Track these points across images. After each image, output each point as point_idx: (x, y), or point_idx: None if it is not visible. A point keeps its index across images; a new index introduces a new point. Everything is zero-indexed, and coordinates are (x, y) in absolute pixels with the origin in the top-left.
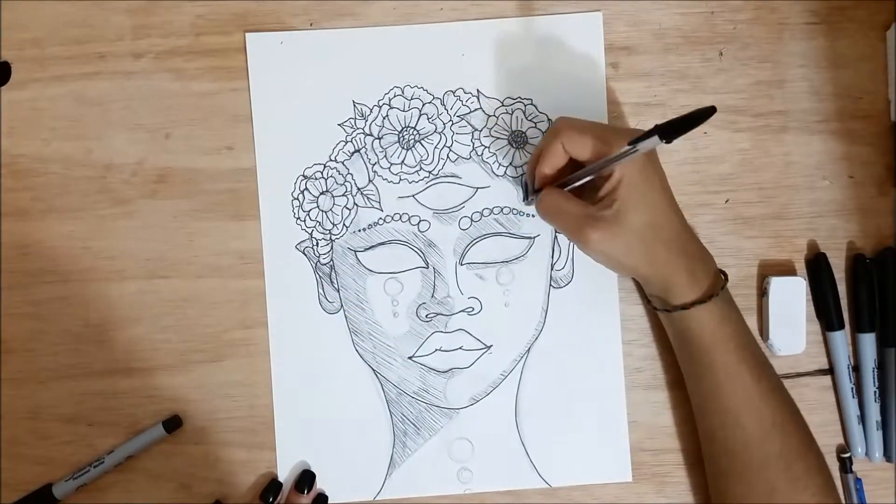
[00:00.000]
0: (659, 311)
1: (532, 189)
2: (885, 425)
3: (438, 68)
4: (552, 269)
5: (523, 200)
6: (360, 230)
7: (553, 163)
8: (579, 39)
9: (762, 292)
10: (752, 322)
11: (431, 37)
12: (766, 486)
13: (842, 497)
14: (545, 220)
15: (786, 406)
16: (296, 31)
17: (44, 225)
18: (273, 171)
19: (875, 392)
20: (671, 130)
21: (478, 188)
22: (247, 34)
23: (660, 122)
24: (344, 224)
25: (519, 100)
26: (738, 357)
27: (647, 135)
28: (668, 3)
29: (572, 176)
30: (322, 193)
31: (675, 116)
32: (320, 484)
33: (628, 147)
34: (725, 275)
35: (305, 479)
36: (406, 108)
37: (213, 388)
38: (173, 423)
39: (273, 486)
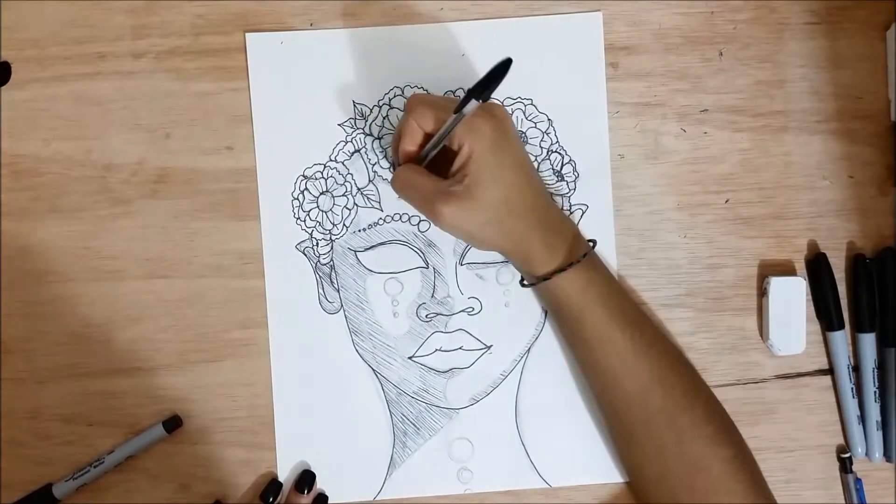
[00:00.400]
0: (528, 285)
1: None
2: (885, 425)
3: (438, 68)
4: None
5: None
6: (360, 230)
7: (411, 139)
8: (579, 39)
9: (762, 292)
10: (752, 322)
11: (431, 37)
12: (654, 444)
13: (842, 497)
14: (400, 196)
15: (664, 360)
16: (296, 31)
17: (44, 225)
18: (273, 171)
19: (875, 392)
20: (481, 89)
21: None
22: (247, 34)
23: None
24: (344, 224)
25: (519, 100)
26: (607, 319)
27: (465, 100)
28: (668, 3)
29: (423, 151)
30: (322, 193)
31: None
32: (320, 484)
33: (455, 115)
34: (593, 241)
35: (305, 479)
36: None
37: (213, 388)
38: (173, 423)
39: (273, 486)
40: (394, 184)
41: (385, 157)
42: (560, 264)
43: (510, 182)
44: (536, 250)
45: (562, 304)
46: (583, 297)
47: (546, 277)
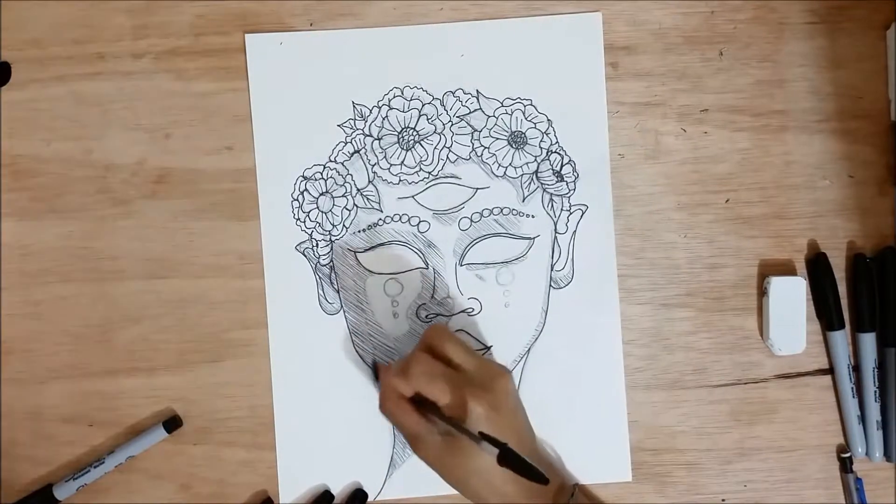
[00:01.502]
0: None
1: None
2: (885, 425)
3: (438, 69)
4: (552, 270)
5: (373, 381)
6: (359, 231)
7: (406, 386)
8: (579, 39)
9: (762, 292)
10: (752, 322)
11: (431, 37)
12: None
13: (842, 497)
14: (384, 415)
15: None
16: (295, 32)
17: (44, 225)
18: (273, 171)
19: (875, 392)
20: (508, 461)
21: (477, 189)
22: (246, 35)
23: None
24: (344, 225)
25: (518, 100)
26: None
27: (495, 444)
28: (668, 3)
29: (428, 409)
30: (322, 194)
31: (523, 458)
32: (320, 482)
33: (476, 436)
34: (575, 485)
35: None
36: (406, 109)
37: (213, 388)
38: (173, 423)
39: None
40: (381, 408)
41: (384, 157)
42: None
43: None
44: None
45: None
46: None
47: None
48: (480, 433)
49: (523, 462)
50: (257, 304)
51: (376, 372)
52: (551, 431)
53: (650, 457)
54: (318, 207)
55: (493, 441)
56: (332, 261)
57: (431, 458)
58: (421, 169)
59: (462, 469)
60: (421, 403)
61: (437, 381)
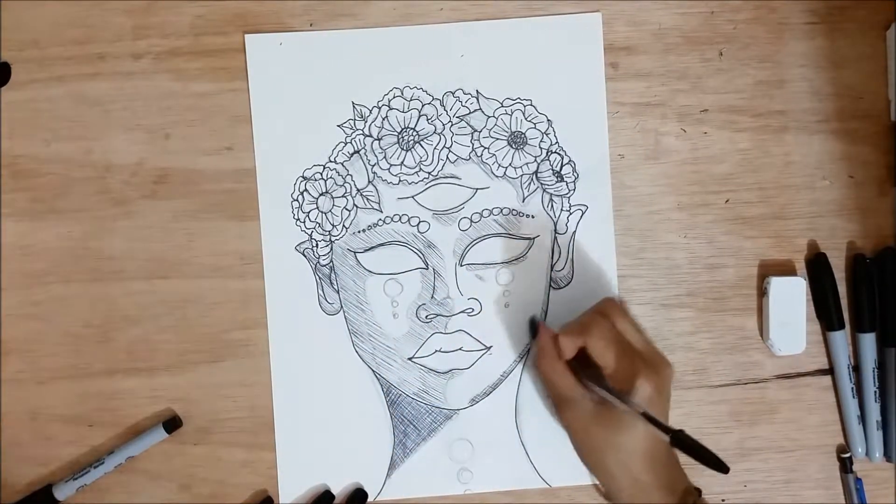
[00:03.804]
0: None
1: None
2: (885, 425)
3: (438, 69)
4: (552, 270)
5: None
6: (359, 231)
7: (571, 346)
8: (579, 39)
9: (762, 292)
10: (752, 322)
11: (431, 37)
12: None
13: (842, 497)
14: (536, 372)
15: None
16: (295, 32)
17: (44, 225)
18: (272, 171)
19: (875, 392)
20: (682, 445)
21: (477, 189)
22: (246, 35)
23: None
24: (343, 225)
25: (518, 100)
26: None
27: (664, 429)
28: (668, 3)
29: (586, 374)
30: (322, 194)
31: (698, 442)
32: (320, 482)
33: (640, 414)
34: (699, 490)
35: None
36: (405, 110)
37: (213, 389)
38: (173, 424)
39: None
40: (535, 364)
41: (384, 157)
42: None
43: (647, 438)
44: (653, 498)
45: None
46: None
47: None
48: (644, 413)
49: (700, 447)
50: (257, 304)
51: (535, 329)
52: (552, 431)
53: None
54: (317, 208)
55: (661, 425)
56: (331, 261)
57: (577, 425)
58: (421, 169)
59: (605, 442)
60: (577, 370)
61: (613, 347)
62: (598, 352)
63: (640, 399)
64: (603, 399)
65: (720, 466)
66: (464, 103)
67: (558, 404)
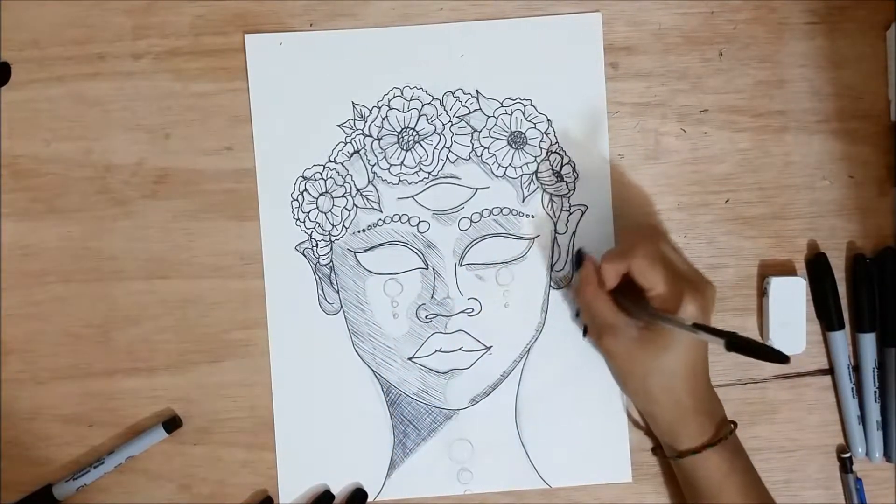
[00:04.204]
0: (663, 457)
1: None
2: (885, 425)
3: (438, 69)
4: (552, 270)
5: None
6: (359, 231)
7: (615, 274)
8: (579, 39)
9: (762, 292)
10: (752, 322)
11: (431, 37)
12: None
13: (842, 497)
14: (576, 301)
15: None
16: (295, 32)
17: (44, 225)
18: (272, 171)
19: (875, 392)
20: (738, 347)
21: (477, 189)
22: (246, 35)
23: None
24: (343, 225)
25: (518, 100)
26: None
27: (718, 334)
28: (668, 3)
29: (629, 302)
30: (321, 194)
31: (753, 340)
32: (321, 481)
33: (691, 327)
34: (735, 423)
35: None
36: (405, 109)
37: (213, 389)
38: (173, 424)
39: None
40: (578, 294)
41: (384, 157)
42: (706, 441)
43: (689, 360)
44: (687, 428)
45: (700, 482)
46: (725, 480)
47: (691, 452)
48: (696, 324)
49: (757, 344)
50: (257, 304)
51: (580, 260)
52: (552, 431)
53: (650, 457)
54: (317, 208)
55: (716, 331)
56: (331, 261)
57: (620, 350)
58: (421, 169)
59: (649, 366)
60: (619, 299)
61: (658, 268)
62: (643, 273)
63: (688, 317)
64: (645, 325)
65: (780, 358)
66: (464, 103)
67: (601, 332)
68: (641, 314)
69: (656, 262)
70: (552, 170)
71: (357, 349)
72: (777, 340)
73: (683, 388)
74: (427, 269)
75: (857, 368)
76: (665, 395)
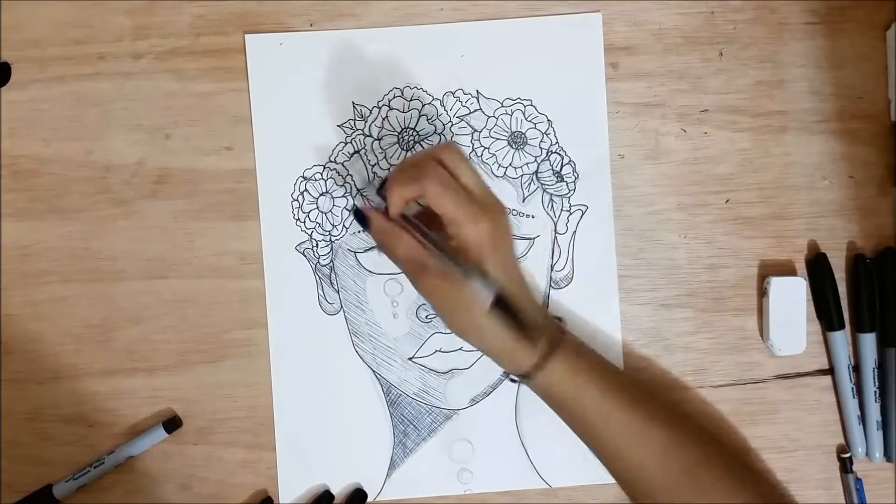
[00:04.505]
0: (516, 381)
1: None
2: (885, 425)
3: (438, 69)
4: (552, 270)
5: (377, 192)
6: (359, 231)
7: (401, 200)
8: (579, 39)
9: (762, 292)
10: (752, 322)
11: (431, 37)
12: None
13: (842, 497)
14: (378, 244)
15: (676, 426)
16: (295, 32)
17: (44, 225)
18: (273, 171)
19: (875, 392)
20: (500, 307)
21: None
22: (246, 35)
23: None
24: (343, 225)
25: (518, 101)
26: (606, 399)
27: (488, 286)
28: (668, 3)
29: (419, 230)
30: (322, 195)
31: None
32: (320, 481)
33: (472, 269)
34: (560, 318)
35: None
36: (406, 110)
37: (213, 389)
38: (173, 424)
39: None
40: (380, 243)
41: (385, 157)
42: (542, 354)
43: (502, 281)
44: (517, 351)
45: (556, 395)
46: (576, 383)
47: (534, 370)
48: (469, 268)
49: (515, 308)
50: (257, 305)
51: (360, 217)
52: (552, 431)
53: None
54: (318, 208)
55: (488, 282)
56: (332, 261)
57: (435, 290)
58: None
59: (463, 299)
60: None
61: (450, 193)
62: (434, 198)
63: (473, 244)
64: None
65: (529, 330)
66: (464, 103)
67: (413, 275)
68: (432, 249)
69: (448, 188)
70: (552, 170)
71: (357, 349)
72: (777, 340)
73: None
74: None
75: (857, 368)
76: (488, 322)
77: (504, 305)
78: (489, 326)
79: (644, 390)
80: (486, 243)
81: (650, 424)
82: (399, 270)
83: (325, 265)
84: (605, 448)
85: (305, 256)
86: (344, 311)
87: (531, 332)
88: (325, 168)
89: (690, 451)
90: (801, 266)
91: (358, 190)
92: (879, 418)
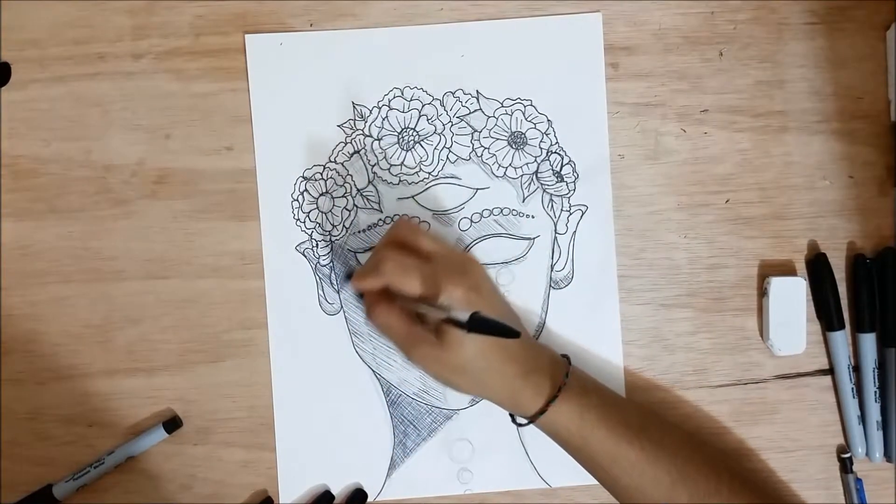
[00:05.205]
0: (522, 425)
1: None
2: (885, 425)
3: (438, 69)
4: (552, 271)
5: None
6: (359, 231)
7: (375, 282)
8: (579, 39)
9: (762, 292)
10: (752, 322)
11: (431, 38)
12: None
13: (842, 497)
14: (372, 323)
15: (679, 455)
16: (295, 32)
17: (44, 225)
18: (273, 172)
19: (875, 392)
20: (478, 328)
21: (477, 189)
22: (246, 35)
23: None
24: (344, 225)
25: (518, 101)
26: (613, 437)
27: (460, 325)
28: (668, 3)
29: (402, 298)
30: (322, 195)
31: (493, 321)
32: (320, 481)
33: (443, 316)
34: (566, 357)
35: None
36: (406, 110)
37: (213, 389)
38: (173, 424)
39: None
40: (369, 320)
41: (384, 157)
42: (547, 397)
43: (486, 339)
44: (525, 393)
45: (563, 435)
46: (582, 423)
47: (539, 413)
48: (446, 318)
49: (491, 322)
50: (257, 304)
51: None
52: None
53: None
54: (318, 208)
55: (455, 321)
56: (332, 261)
57: (429, 358)
58: (421, 169)
59: (458, 361)
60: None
61: (412, 273)
62: (398, 282)
63: (454, 302)
64: (438, 326)
65: (511, 333)
66: (464, 103)
67: (404, 349)
68: (416, 307)
69: (408, 270)
70: (552, 170)
71: (357, 349)
72: (777, 340)
73: (500, 361)
74: None
75: (857, 368)
76: (488, 377)
77: (478, 323)
78: (489, 378)
79: (653, 422)
80: (471, 298)
81: (659, 459)
82: None
83: (325, 265)
84: (615, 484)
85: (305, 256)
86: (344, 311)
87: (536, 365)
88: (325, 168)
89: (702, 485)
90: (801, 266)
91: (358, 190)
92: (879, 418)
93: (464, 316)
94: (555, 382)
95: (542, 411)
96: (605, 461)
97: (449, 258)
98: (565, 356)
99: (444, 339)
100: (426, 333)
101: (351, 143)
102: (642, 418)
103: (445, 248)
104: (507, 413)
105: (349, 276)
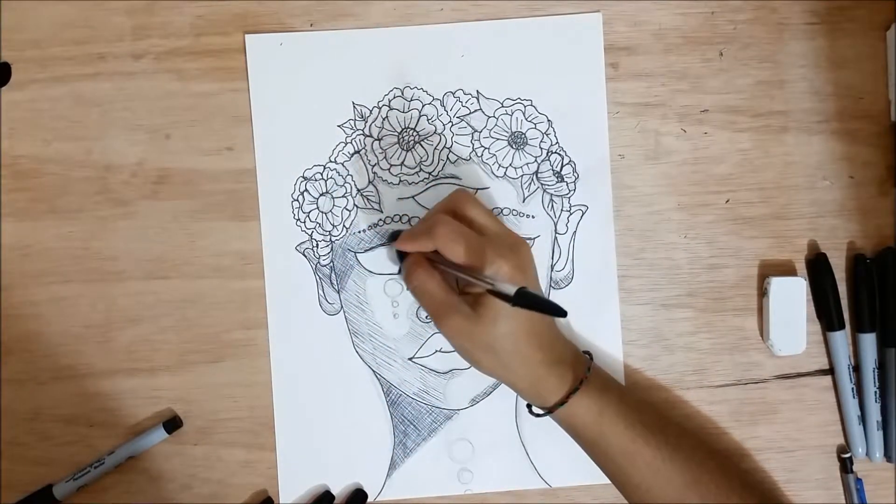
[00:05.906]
0: (539, 415)
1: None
2: (885, 425)
3: (438, 69)
4: (552, 271)
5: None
6: (359, 231)
7: (423, 246)
8: (579, 39)
9: (762, 292)
10: (752, 322)
11: (431, 38)
12: None
13: (842, 497)
14: (411, 292)
15: (693, 458)
16: (295, 32)
17: (44, 225)
18: (273, 172)
19: (875, 392)
20: (525, 303)
21: (477, 189)
22: (246, 35)
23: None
24: (344, 225)
25: (519, 101)
26: (630, 434)
27: (505, 297)
28: (668, 3)
29: (445, 266)
30: (322, 195)
31: (541, 297)
32: (320, 482)
33: (489, 286)
34: (589, 353)
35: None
36: (406, 110)
37: (213, 389)
38: (173, 424)
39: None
40: (407, 282)
41: (385, 157)
42: (569, 389)
43: (524, 317)
44: (547, 383)
45: (579, 429)
46: (600, 418)
47: (559, 404)
48: (491, 290)
49: (539, 298)
50: (257, 305)
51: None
52: (552, 431)
53: None
54: (318, 208)
55: (504, 293)
56: (332, 261)
57: (458, 331)
58: (421, 169)
59: (490, 337)
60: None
61: (461, 241)
62: (448, 248)
63: (500, 276)
64: (474, 300)
65: (558, 311)
66: (464, 103)
67: (437, 315)
68: (455, 272)
69: (459, 237)
70: (552, 170)
71: (357, 349)
72: (777, 340)
73: (529, 346)
74: None
75: (857, 368)
76: (514, 360)
77: (526, 297)
78: (515, 361)
79: (670, 424)
80: (517, 277)
81: (674, 461)
82: (399, 271)
83: (325, 265)
84: (627, 482)
85: (305, 256)
86: (344, 312)
87: (562, 355)
88: (325, 168)
89: (713, 490)
90: (801, 266)
91: (358, 190)
92: (879, 418)
93: (510, 289)
94: (577, 375)
95: (561, 402)
96: (620, 457)
97: (501, 234)
98: (587, 352)
99: (480, 311)
100: (462, 304)
101: (351, 143)
102: (660, 419)
103: (498, 225)
104: (510, 411)
105: (394, 238)
